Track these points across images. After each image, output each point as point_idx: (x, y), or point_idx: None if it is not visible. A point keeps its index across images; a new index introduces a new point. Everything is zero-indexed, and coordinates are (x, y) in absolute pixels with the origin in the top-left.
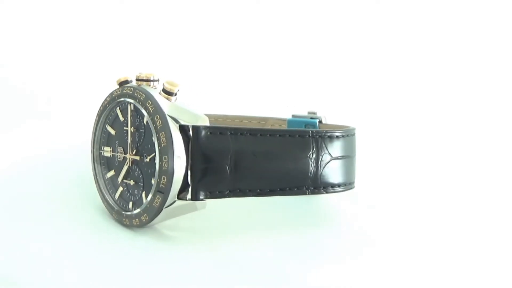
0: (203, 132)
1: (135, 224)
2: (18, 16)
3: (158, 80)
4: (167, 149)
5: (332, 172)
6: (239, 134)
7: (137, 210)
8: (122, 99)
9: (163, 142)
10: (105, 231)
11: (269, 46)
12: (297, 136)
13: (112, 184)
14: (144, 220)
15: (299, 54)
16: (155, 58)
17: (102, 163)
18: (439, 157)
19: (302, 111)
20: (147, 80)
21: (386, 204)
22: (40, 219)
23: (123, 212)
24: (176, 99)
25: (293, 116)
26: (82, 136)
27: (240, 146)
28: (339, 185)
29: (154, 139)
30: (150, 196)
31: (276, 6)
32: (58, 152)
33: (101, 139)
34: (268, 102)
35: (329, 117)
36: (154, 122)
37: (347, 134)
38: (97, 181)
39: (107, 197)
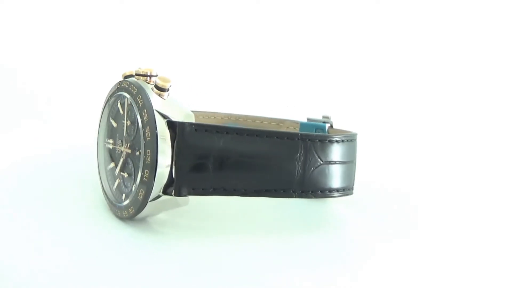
0: (188, 129)
1: (125, 215)
2: (18, 17)
3: (156, 76)
4: (151, 144)
5: (324, 176)
6: (225, 133)
7: (126, 202)
8: (119, 92)
9: (148, 136)
10: (102, 225)
11: (302, 52)
12: (286, 138)
13: (112, 176)
14: (131, 212)
15: (330, 61)
16: (178, 59)
17: (105, 155)
18: (444, 164)
19: (318, 115)
20: (144, 75)
21: (384, 209)
22: (39, 219)
23: (117, 204)
24: (168, 95)
25: (307, 119)
26: (81, 136)
27: (225, 145)
28: (330, 190)
29: (141, 133)
30: (135, 189)
31: (299, 14)
32: (58, 152)
33: (105, 131)
34: (302, 105)
35: (352, 123)
36: (141, 116)
37: (344, 139)
38: (99, 172)
39: (106, 189)
